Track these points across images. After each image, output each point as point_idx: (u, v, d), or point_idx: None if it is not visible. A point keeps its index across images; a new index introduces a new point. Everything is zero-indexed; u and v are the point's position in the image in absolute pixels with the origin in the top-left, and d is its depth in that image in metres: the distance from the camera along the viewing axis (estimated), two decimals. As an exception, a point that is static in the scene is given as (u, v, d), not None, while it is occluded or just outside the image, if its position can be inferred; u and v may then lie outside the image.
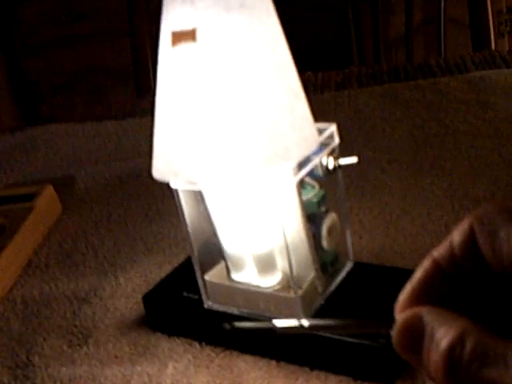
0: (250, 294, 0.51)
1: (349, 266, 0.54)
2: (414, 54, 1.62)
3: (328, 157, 0.50)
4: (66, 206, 0.83)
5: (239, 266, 0.51)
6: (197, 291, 0.53)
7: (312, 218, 0.50)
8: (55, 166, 0.97)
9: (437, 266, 0.28)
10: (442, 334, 0.26)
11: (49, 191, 0.81)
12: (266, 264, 0.50)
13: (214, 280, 0.52)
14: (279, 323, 0.34)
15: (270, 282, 0.50)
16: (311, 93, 1.06)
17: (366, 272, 0.54)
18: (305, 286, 0.49)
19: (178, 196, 0.50)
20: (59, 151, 1.02)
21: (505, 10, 1.60)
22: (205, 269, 0.53)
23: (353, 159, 0.51)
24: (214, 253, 0.52)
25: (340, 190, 0.53)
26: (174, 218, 0.74)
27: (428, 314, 0.27)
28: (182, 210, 0.50)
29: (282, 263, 0.50)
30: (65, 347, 0.56)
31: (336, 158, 0.50)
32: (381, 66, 1.20)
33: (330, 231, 0.51)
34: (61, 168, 0.96)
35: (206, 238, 0.52)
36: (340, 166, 0.51)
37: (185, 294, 0.54)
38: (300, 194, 0.48)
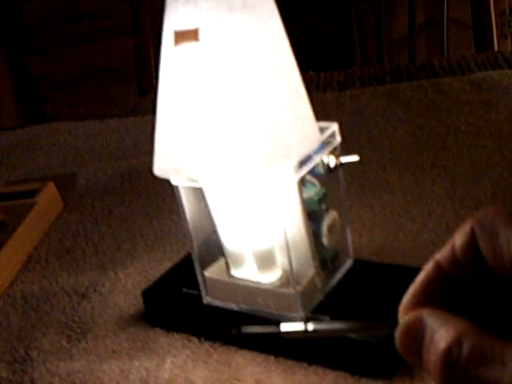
0: (250, 291, 0.51)
1: (349, 263, 0.54)
2: (416, 55, 1.62)
3: (329, 155, 0.50)
4: (67, 202, 0.83)
5: (239, 263, 0.51)
6: (196, 287, 0.53)
7: (312, 216, 0.50)
8: (57, 164, 0.97)
9: (439, 268, 0.29)
10: (441, 336, 0.26)
11: (50, 188, 0.81)
12: (265, 260, 0.50)
13: (214, 276, 0.52)
14: (286, 327, 0.34)
15: (269, 278, 0.50)
16: (314, 92, 1.06)
17: (365, 269, 0.54)
18: (304, 282, 0.49)
19: (178, 193, 0.50)
20: (61, 149, 1.03)
21: (507, 11, 1.60)
22: (205, 265, 0.53)
23: (354, 158, 0.51)
24: (213, 249, 0.52)
25: (341, 188, 0.53)
26: (174, 216, 0.74)
27: (428, 316, 0.28)
28: (182, 206, 0.50)
29: (281, 260, 0.50)
30: (63, 342, 0.56)
31: (337, 157, 0.50)
32: (383, 66, 1.20)
33: (331, 229, 0.51)
34: (62, 165, 0.96)
35: (206, 235, 0.52)
36: (341, 165, 0.51)
37: (184, 289, 0.54)
38: (301, 192, 0.48)
